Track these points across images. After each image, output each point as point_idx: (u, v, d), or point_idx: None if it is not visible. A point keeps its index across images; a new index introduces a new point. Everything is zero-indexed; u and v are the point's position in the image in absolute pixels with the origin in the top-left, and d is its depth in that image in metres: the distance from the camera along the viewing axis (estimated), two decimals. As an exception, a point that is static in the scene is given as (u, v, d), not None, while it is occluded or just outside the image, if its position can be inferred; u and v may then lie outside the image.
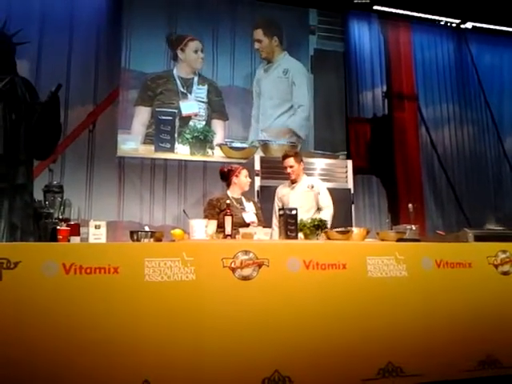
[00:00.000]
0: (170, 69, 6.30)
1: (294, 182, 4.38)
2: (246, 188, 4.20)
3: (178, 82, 6.28)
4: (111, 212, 5.61)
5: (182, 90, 6.27)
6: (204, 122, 6.31)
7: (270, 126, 6.57)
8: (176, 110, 6.18)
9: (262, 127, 6.54)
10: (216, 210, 3.92)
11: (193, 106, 6.29)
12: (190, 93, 6.31)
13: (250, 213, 4.02)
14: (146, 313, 2.35)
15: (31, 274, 2.25)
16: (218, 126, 6.38)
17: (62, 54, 5.78)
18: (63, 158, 5.56)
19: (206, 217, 3.84)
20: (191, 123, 6.23)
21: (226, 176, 4.18)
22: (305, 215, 3.77)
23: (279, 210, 3.26)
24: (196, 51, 6.42)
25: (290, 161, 4.32)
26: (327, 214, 4.14)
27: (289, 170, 4.33)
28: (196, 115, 6.28)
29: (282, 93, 6.73)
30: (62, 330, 2.24)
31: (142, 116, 6.07)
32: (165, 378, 2.33)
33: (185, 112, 6.23)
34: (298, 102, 6.74)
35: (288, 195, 4.36)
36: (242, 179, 4.13)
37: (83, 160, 5.72)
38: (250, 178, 4.33)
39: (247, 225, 3.80)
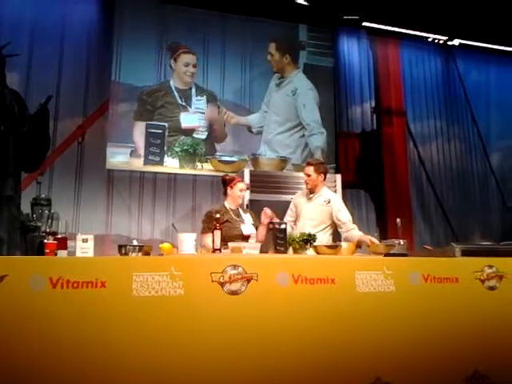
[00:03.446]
0: (167, 80, 6.30)
1: (311, 192, 4.24)
2: (239, 201, 4.17)
3: (176, 94, 6.27)
4: (99, 225, 5.57)
5: (181, 102, 6.26)
6: (206, 133, 6.32)
7: (271, 140, 6.61)
8: (166, 124, 6.16)
9: (264, 139, 6.60)
10: (214, 223, 3.91)
11: (193, 119, 6.29)
12: (190, 105, 6.31)
13: (248, 224, 4.02)
14: (133, 328, 2.33)
15: (18, 288, 2.22)
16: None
17: (52, 67, 5.77)
18: (51, 171, 5.52)
19: (204, 229, 3.84)
20: (181, 137, 6.23)
21: (224, 184, 4.18)
22: (312, 230, 3.72)
23: (269, 223, 3.25)
24: (187, 65, 6.41)
25: (309, 169, 4.19)
26: (356, 229, 4.02)
27: (305, 178, 4.22)
28: (198, 127, 6.30)
29: (286, 111, 6.78)
30: (49, 345, 2.21)
31: (140, 130, 6.06)
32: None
33: (185, 125, 6.22)
34: (307, 122, 6.82)
35: (302, 204, 4.24)
36: (235, 191, 4.12)
37: (72, 173, 5.68)
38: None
39: (246, 237, 3.81)
